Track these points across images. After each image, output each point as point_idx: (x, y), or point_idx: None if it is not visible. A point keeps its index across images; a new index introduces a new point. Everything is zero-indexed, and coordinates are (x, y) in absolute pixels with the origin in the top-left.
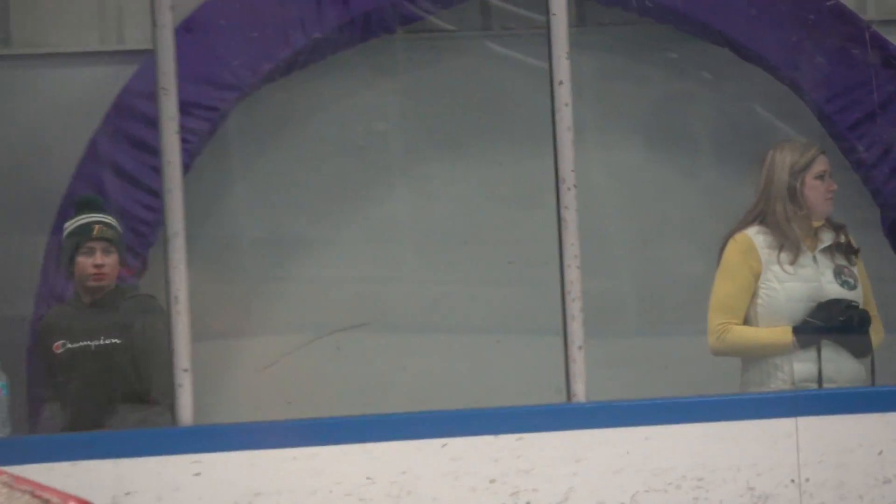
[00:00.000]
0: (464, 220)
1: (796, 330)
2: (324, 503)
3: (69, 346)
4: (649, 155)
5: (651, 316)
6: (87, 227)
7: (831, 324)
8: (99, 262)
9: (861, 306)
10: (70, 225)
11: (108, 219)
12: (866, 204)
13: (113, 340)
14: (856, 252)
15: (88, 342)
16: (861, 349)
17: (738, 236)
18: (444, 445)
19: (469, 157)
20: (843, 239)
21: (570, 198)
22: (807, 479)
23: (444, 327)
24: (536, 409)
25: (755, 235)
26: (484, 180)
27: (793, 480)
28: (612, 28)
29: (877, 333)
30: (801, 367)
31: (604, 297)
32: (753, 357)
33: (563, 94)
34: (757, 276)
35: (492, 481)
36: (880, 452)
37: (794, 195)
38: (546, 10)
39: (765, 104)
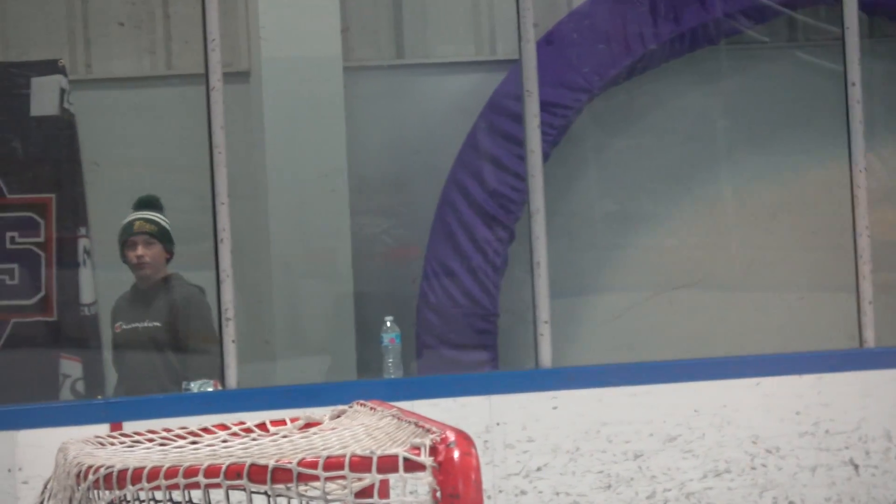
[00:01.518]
0: (774, 196)
1: None
2: (658, 431)
3: (124, 326)
4: None
5: None
6: (129, 224)
7: None
8: (139, 253)
9: None
10: (122, 223)
11: (153, 215)
12: None
13: (155, 323)
14: None
15: (137, 324)
16: None
17: None
18: (758, 384)
19: (779, 147)
20: None
21: (861, 178)
22: None
23: (758, 286)
24: (833, 353)
25: None
26: (791, 166)
27: None
28: None
29: None
30: None
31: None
32: None
33: (856, 93)
34: None
35: (797, 413)
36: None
37: None
38: (841, 24)
39: None
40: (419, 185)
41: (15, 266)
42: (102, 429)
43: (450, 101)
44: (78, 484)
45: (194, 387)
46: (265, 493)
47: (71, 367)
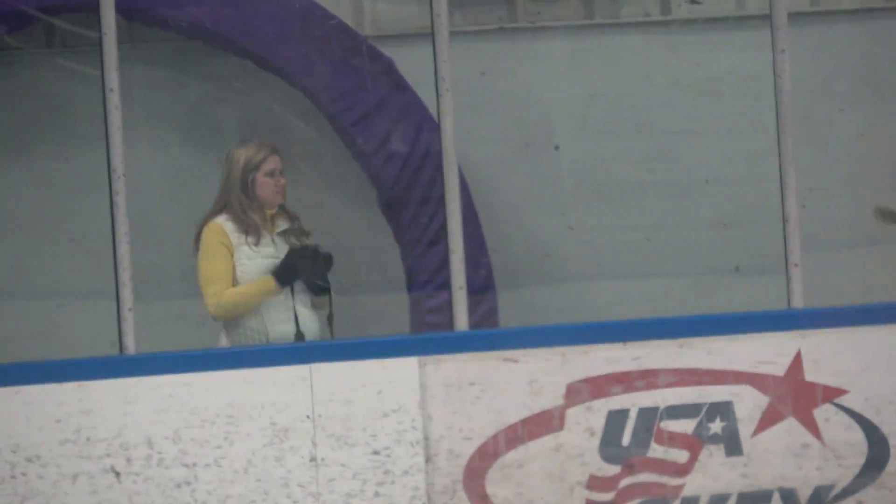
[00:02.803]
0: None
1: (275, 274)
2: None
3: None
4: (190, 150)
5: (190, 282)
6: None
7: (302, 264)
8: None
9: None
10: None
11: None
12: (365, 186)
13: None
14: (307, 234)
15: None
16: (323, 301)
17: (212, 224)
18: (18, 392)
19: (31, 155)
20: (296, 224)
21: (120, 185)
22: (319, 415)
23: (18, 294)
24: (95, 360)
25: (224, 222)
26: (44, 174)
27: (308, 416)
28: (157, 45)
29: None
30: (279, 329)
31: (152, 267)
32: (248, 309)
33: (114, 98)
34: (232, 255)
35: (58, 421)
36: (380, 392)
37: (246, 189)
38: (99, 29)
39: (284, 106)
40: None
41: None
42: None
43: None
44: None
45: None
46: None
47: None
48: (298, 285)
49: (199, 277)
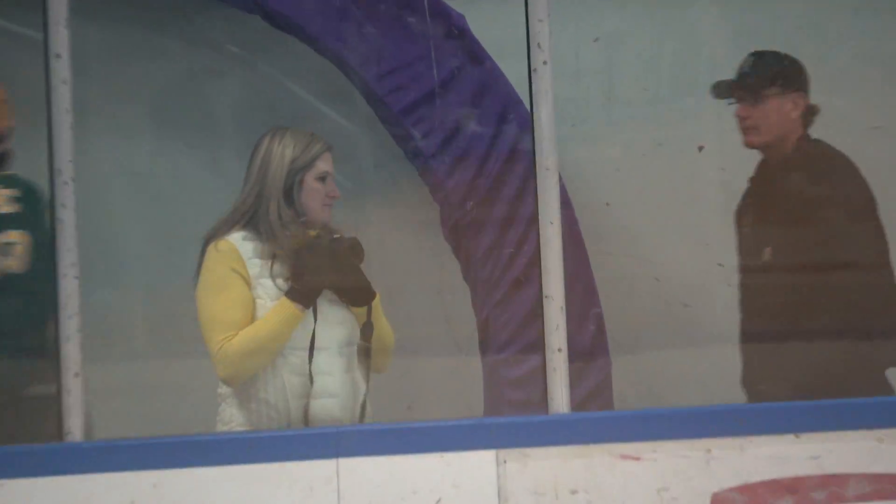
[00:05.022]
0: None
1: (291, 293)
2: None
3: None
4: (165, 143)
5: (165, 335)
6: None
7: (321, 262)
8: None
9: (366, 321)
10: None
11: None
12: (422, 200)
13: None
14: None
15: None
16: (360, 293)
17: (221, 242)
18: None
19: None
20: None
21: (67, 193)
22: None
23: None
24: (22, 451)
25: (241, 241)
26: None
27: None
28: None
29: (383, 346)
30: (300, 404)
31: (109, 312)
32: (266, 358)
33: (62, 69)
34: (249, 288)
35: None
36: (439, 501)
37: (290, 196)
38: None
39: (306, 83)
40: None
41: None
42: None
43: None
44: None
45: None
46: None
47: None
48: (335, 329)
49: (201, 320)
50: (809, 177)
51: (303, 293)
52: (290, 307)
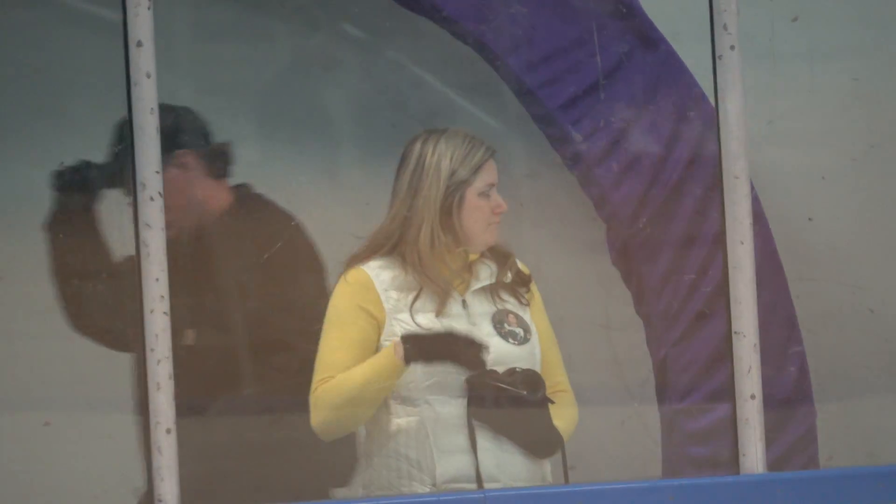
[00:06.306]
0: None
1: (404, 340)
2: None
3: None
4: (270, 147)
5: None
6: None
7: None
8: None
9: (533, 366)
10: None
11: None
12: (584, 216)
13: None
14: (527, 285)
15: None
16: (542, 442)
17: (353, 272)
18: None
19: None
20: (508, 275)
21: (153, 211)
22: None
23: None
24: None
25: (378, 271)
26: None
27: None
28: None
29: (565, 413)
30: (450, 461)
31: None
32: (361, 411)
33: (145, 60)
34: (380, 328)
35: None
36: None
37: (450, 214)
38: None
39: (440, 73)
40: None
41: None
42: None
43: None
44: None
45: None
46: None
47: None
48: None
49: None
50: None
51: (416, 351)
52: (391, 357)
